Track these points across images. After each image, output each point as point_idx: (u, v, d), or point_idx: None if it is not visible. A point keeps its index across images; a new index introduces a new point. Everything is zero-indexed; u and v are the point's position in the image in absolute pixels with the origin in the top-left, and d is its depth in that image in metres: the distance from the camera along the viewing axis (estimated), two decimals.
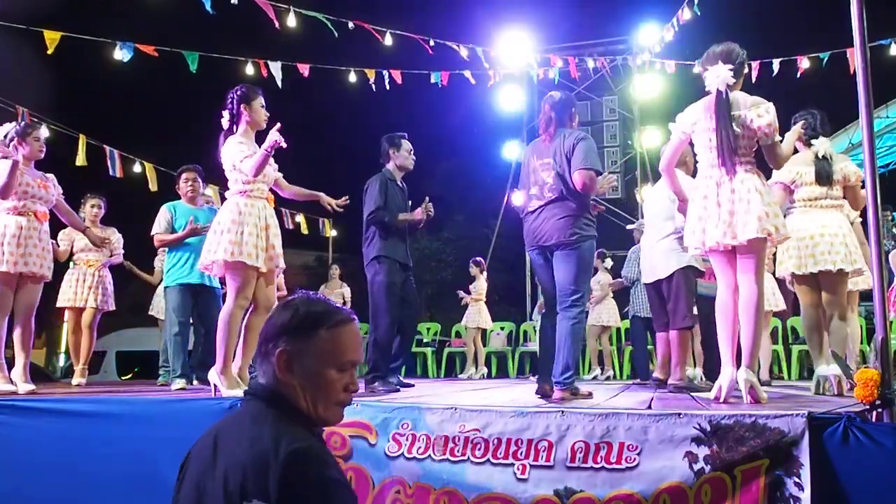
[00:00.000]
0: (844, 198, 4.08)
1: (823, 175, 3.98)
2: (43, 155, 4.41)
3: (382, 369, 4.52)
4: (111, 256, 5.89)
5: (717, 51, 3.40)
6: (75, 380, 5.66)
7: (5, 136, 4.28)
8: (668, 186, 3.89)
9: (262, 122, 3.79)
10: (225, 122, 3.76)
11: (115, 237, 5.92)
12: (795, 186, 4.07)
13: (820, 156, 4.01)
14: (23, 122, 4.91)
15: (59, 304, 5.79)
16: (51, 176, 4.51)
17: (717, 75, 3.29)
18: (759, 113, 3.22)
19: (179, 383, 4.78)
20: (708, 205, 3.31)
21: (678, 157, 3.79)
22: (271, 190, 3.92)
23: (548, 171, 3.80)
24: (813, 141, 4.04)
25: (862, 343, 7.60)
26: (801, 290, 4.13)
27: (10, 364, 4.36)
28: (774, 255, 4.74)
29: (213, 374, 3.57)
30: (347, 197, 4.34)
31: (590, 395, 3.70)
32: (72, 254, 5.82)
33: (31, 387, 4.20)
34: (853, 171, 4.07)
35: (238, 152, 3.62)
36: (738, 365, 3.25)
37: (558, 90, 4.24)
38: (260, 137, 3.79)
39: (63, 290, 5.80)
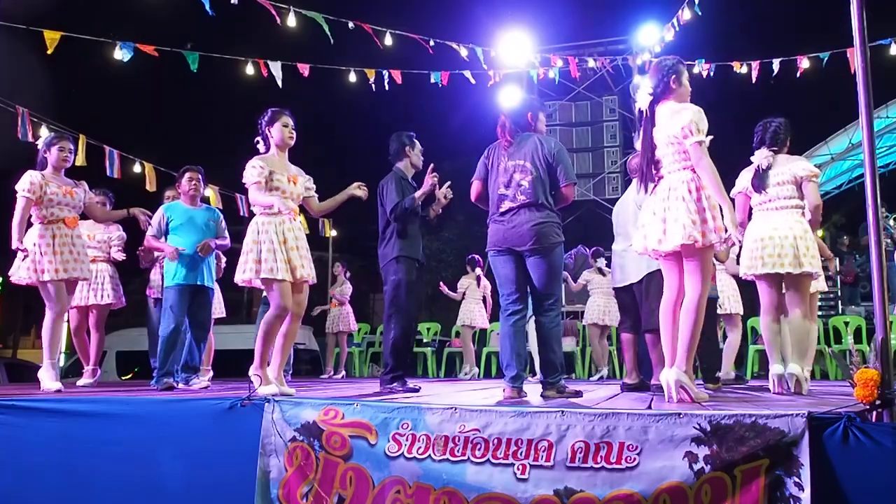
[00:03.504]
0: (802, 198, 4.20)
1: (755, 184, 4.21)
2: (69, 164, 4.65)
3: (401, 369, 4.52)
4: (111, 252, 5.86)
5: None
6: (83, 381, 5.62)
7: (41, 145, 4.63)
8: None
9: (286, 140, 3.98)
10: (260, 147, 4.00)
11: (117, 234, 5.91)
12: (750, 193, 4.27)
13: (755, 167, 4.24)
14: (54, 133, 5.22)
15: None
16: (82, 183, 4.72)
17: (639, 96, 3.50)
18: (678, 118, 3.29)
19: (167, 382, 4.79)
20: (646, 212, 3.46)
21: None
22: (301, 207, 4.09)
23: (523, 174, 3.80)
24: (756, 152, 4.25)
25: (862, 343, 7.63)
26: (760, 289, 4.30)
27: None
28: (738, 256, 4.84)
29: (251, 372, 3.71)
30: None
31: (578, 394, 3.77)
32: None
33: (59, 385, 4.33)
34: (801, 167, 4.18)
35: (250, 175, 3.81)
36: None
37: (540, 92, 4.30)
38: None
39: None
